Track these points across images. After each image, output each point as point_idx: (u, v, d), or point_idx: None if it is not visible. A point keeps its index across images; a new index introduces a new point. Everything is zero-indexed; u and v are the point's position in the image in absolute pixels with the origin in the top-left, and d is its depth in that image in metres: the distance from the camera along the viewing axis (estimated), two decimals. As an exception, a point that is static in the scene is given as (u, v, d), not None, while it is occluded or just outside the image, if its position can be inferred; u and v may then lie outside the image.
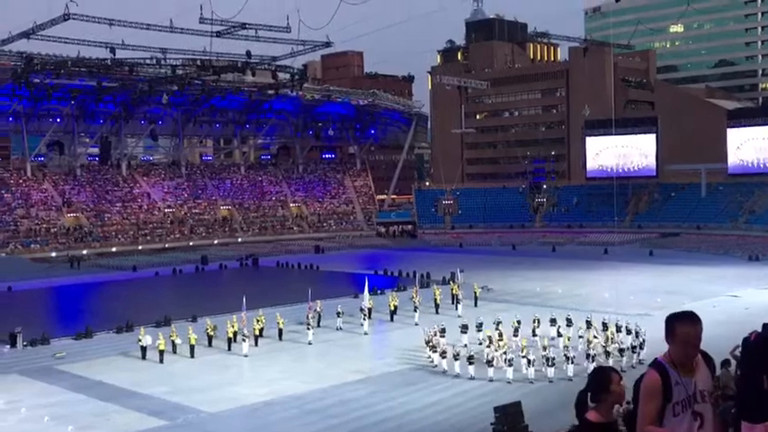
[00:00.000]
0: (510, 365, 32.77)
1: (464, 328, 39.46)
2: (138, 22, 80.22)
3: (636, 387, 4.89)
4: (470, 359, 33.71)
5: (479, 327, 40.12)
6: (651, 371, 4.75)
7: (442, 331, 38.12)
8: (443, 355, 34.86)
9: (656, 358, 4.84)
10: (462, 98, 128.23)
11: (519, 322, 40.12)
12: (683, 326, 4.76)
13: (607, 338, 35.94)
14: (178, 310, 48.55)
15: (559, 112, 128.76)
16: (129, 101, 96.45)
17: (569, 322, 40.45)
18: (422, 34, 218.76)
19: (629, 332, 36.97)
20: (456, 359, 34.02)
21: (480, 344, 37.54)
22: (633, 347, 35.09)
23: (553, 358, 33.20)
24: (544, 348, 34.20)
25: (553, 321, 40.59)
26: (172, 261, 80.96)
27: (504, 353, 33.86)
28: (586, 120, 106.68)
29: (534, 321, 40.46)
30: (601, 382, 5.00)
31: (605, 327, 37.90)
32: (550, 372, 32.76)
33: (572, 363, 33.01)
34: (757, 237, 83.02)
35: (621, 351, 34.62)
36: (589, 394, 5.03)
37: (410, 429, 27.24)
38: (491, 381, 32.68)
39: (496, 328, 38.69)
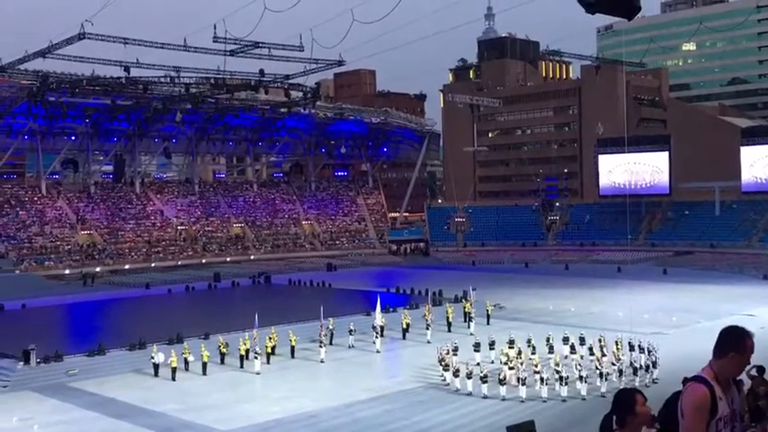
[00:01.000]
0: (523, 384, 32.63)
1: (477, 347, 39.37)
2: (153, 41, 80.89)
3: (668, 404, 4.81)
4: (484, 378, 33.56)
5: (492, 345, 40.03)
6: (697, 385, 4.65)
7: (455, 350, 38.02)
8: (456, 373, 34.73)
9: (696, 375, 4.74)
10: (474, 116, 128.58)
11: (532, 340, 40.04)
12: (750, 339, 4.78)
13: (616, 357, 35.76)
14: (191, 327, 48.56)
15: (572, 130, 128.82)
16: (143, 119, 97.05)
17: (582, 341, 40.26)
18: (434, 53, 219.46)
19: (642, 351, 36.72)
20: (469, 378, 33.88)
21: (492, 362, 37.43)
22: (646, 367, 34.87)
23: (567, 377, 33.02)
24: (557, 366, 34.05)
25: (566, 340, 40.45)
26: (185, 278, 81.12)
27: (517, 371, 33.75)
28: (599, 138, 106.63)
29: (548, 340, 40.32)
30: (626, 403, 4.93)
31: (617, 345, 37.72)
32: (563, 390, 32.58)
33: (585, 382, 32.83)
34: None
35: (636, 370, 34.39)
36: (614, 417, 4.98)
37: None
38: (503, 399, 32.52)
39: (510, 346, 38.55)
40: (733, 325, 4.86)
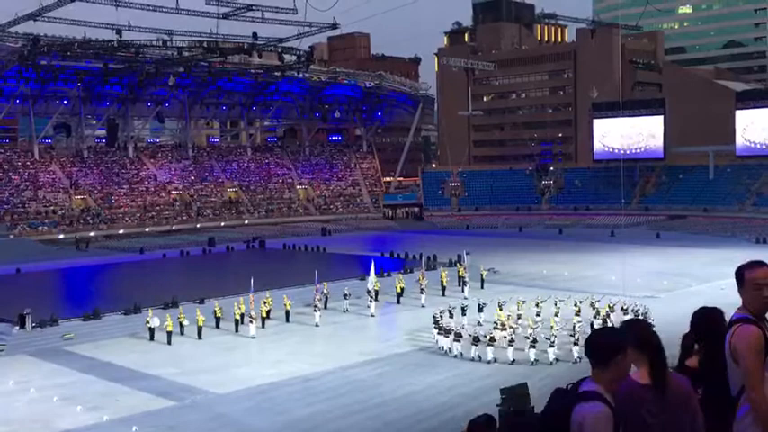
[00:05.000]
0: (510, 344, 32.76)
1: (464, 311, 39.60)
2: (145, 4, 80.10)
3: (710, 349, 4.66)
4: (475, 340, 33.76)
5: (480, 308, 40.23)
6: (747, 326, 4.40)
7: (450, 313, 38.27)
8: (448, 335, 34.91)
9: (741, 316, 4.49)
10: (469, 80, 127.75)
11: (522, 302, 40.38)
12: (751, 271, 4.54)
13: (604, 320, 36.13)
14: (186, 291, 48.73)
15: (567, 94, 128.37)
16: (136, 83, 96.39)
17: (575, 304, 40.48)
18: (429, 16, 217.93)
19: (636, 315, 36.97)
20: (458, 341, 34.08)
21: (479, 324, 37.68)
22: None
23: (552, 340, 33.17)
24: (552, 330, 34.29)
25: (555, 304, 40.68)
26: (179, 243, 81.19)
27: (514, 333, 34.04)
28: (594, 102, 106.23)
29: (536, 304, 40.47)
30: (713, 322, 4.88)
31: (609, 308, 38.08)
32: (552, 353, 32.73)
33: (577, 344, 33.06)
34: (764, 219, 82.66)
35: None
36: (695, 335, 4.93)
37: (416, 410, 27.38)
38: (494, 361, 32.72)
39: (500, 309, 38.88)
40: (741, 264, 4.68)
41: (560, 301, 40.90)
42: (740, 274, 4.60)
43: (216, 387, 30.47)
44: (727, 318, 4.73)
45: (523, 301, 40.50)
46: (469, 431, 4.93)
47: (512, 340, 33.05)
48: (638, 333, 4.32)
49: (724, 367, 4.56)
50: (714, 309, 5.09)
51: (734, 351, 4.40)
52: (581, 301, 40.49)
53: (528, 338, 33.30)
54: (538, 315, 38.73)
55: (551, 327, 34.96)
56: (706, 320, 4.97)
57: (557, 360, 32.45)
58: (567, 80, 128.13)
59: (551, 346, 32.81)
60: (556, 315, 38.18)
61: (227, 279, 54.29)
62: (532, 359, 32.35)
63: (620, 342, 4.09)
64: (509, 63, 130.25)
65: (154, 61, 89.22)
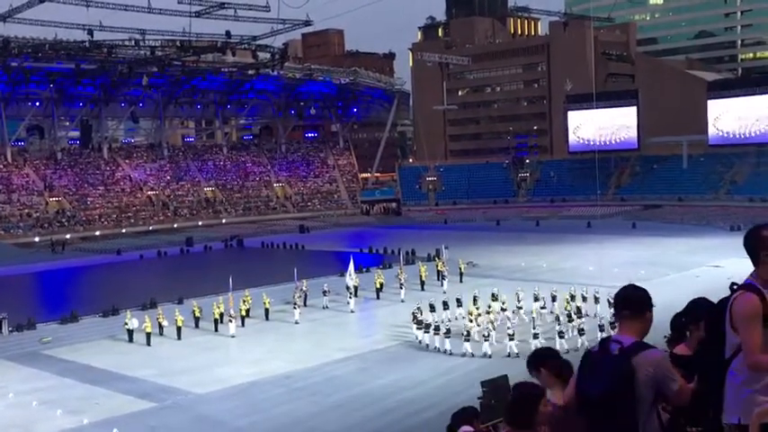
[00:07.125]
0: (511, 339, 32.79)
1: (432, 308, 39.26)
2: (116, 4, 79.53)
3: (715, 316, 4.69)
4: (447, 333, 33.85)
5: (445, 305, 40.01)
6: (747, 294, 4.43)
7: (431, 307, 38.33)
8: (427, 329, 34.96)
9: (744, 283, 4.52)
10: (444, 74, 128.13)
11: (494, 295, 40.49)
12: (765, 229, 4.54)
13: (577, 311, 36.38)
14: (164, 292, 48.50)
15: (541, 87, 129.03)
16: (109, 83, 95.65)
17: (554, 298, 40.72)
18: (402, 11, 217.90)
19: (611, 305, 37.17)
20: (448, 336, 34.04)
21: (449, 320, 37.72)
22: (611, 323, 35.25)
23: (513, 333, 33.38)
24: (508, 321, 34.56)
25: (537, 298, 40.73)
26: (156, 243, 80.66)
27: (493, 327, 34.18)
28: (568, 94, 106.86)
29: (493, 296, 40.46)
30: (698, 311, 5.08)
31: (570, 298, 38.51)
32: (535, 345, 32.92)
33: (562, 337, 33.15)
34: (738, 207, 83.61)
35: (612, 325, 34.64)
36: (683, 319, 5.18)
37: (397, 405, 27.45)
38: (466, 355, 32.85)
39: (458, 304, 39.17)
40: (750, 228, 4.69)
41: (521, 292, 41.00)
42: (759, 236, 4.55)
43: (196, 387, 30.38)
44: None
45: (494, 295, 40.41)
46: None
47: (512, 335, 33.00)
48: (555, 364, 4.90)
49: (719, 353, 4.63)
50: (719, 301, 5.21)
51: (732, 319, 4.49)
52: (537, 296, 40.40)
53: (491, 329, 33.50)
54: (520, 308, 38.91)
55: (507, 318, 35.30)
56: (708, 307, 5.06)
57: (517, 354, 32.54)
58: (540, 73, 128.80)
59: (511, 339, 32.85)
60: (572, 311, 37.84)
61: (206, 279, 54.06)
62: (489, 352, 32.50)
63: (649, 297, 4.53)
64: (483, 57, 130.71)
65: (126, 61, 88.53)
